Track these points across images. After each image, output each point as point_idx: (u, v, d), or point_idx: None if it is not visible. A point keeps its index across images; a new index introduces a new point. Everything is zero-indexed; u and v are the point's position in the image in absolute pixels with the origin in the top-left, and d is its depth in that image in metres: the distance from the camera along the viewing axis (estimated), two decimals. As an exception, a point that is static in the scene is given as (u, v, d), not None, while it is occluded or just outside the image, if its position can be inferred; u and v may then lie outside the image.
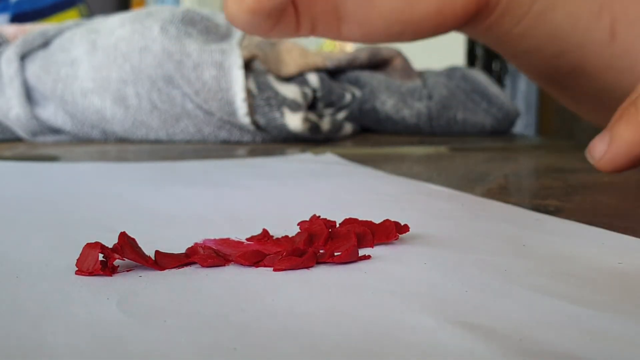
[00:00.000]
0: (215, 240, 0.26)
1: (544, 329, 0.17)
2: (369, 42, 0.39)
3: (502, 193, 0.38)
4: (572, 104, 0.49)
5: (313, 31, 0.36)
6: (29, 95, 0.67)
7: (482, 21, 0.42)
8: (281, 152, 0.58)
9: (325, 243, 0.25)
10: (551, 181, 0.42)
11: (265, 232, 0.27)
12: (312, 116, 0.65)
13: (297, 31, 0.35)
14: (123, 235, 0.23)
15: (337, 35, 0.37)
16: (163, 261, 0.23)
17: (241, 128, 0.64)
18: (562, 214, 0.31)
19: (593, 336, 0.17)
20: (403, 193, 0.37)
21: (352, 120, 0.72)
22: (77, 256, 0.22)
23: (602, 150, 0.30)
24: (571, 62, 0.44)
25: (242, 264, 0.23)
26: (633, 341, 0.17)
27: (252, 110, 0.64)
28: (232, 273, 0.22)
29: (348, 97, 0.71)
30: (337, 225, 0.26)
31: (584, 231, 0.27)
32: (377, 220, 0.26)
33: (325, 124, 0.66)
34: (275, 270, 0.22)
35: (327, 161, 0.49)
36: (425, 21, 0.38)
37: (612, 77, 0.45)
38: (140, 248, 0.23)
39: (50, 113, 0.67)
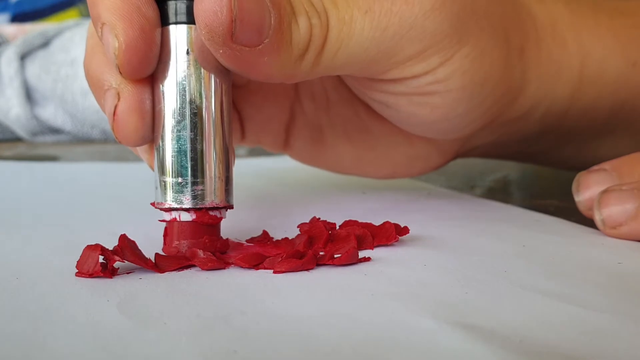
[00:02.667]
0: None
1: (544, 330, 0.17)
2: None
3: (502, 193, 0.38)
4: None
5: (258, 144, 0.35)
6: (29, 95, 0.67)
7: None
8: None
9: (325, 245, 0.25)
10: (551, 181, 0.42)
11: (265, 233, 0.27)
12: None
13: (240, 143, 0.34)
14: (123, 238, 0.23)
15: (283, 153, 0.36)
16: (163, 264, 0.23)
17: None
18: (562, 214, 0.31)
19: (593, 336, 0.17)
20: (403, 193, 0.37)
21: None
22: (77, 258, 0.22)
23: (623, 220, 0.26)
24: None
25: (242, 266, 0.23)
26: (633, 341, 0.17)
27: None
28: (232, 275, 0.22)
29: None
30: (337, 227, 0.26)
31: (583, 231, 0.27)
32: (377, 222, 0.26)
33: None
34: (275, 272, 0.22)
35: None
36: (372, 176, 0.36)
37: None
38: (140, 250, 0.23)
39: (50, 113, 0.67)
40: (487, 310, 0.19)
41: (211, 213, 0.24)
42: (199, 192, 0.24)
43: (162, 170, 0.24)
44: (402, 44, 0.26)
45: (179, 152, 0.23)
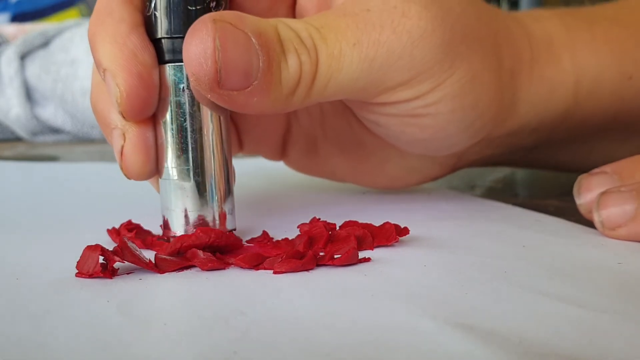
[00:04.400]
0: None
1: (544, 331, 0.17)
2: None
3: (502, 193, 0.38)
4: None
5: (256, 154, 0.36)
6: (29, 95, 0.67)
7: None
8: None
9: (325, 245, 0.25)
10: (551, 181, 0.42)
11: (265, 234, 0.27)
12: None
13: (240, 151, 0.35)
14: (123, 239, 0.23)
15: (280, 161, 0.36)
16: (163, 264, 0.23)
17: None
18: (562, 214, 0.31)
19: (593, 337, 0.17)
20: (403, 194, 0.37)
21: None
22: (77, 258, 0.22)
23: (622, 222, 0.26)
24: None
25: (242, 267, 0.23)
26: (633, 342, 0.17)
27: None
28: (232, 276, 0.22)
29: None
30: (337, 228, 0.26)
31: (583, 232, 0.27)
32: (377, 222, 0.26)
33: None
34: (275, 273, 0.22)
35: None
36: (368, 186, 0.36)
37: None
38: (140, 251, 0.23)
39: (50, 113, 0.67)
40: (487, 310, 0.19)
41: None
42: (202, 222, 0.25)
43: (167, 201, 0.25)
44: (390, 73, 0.26)
45: (182, 186, 0.25)
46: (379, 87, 0.27)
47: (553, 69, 0.33)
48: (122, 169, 0.26)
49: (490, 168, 0.48)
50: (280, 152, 0.35)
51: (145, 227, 0.28)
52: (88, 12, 0.97)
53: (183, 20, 0.24)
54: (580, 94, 0.33)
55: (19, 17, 0.90)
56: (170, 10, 0.24)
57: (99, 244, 0.22)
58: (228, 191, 0.26)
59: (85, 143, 0.67)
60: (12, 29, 0.73)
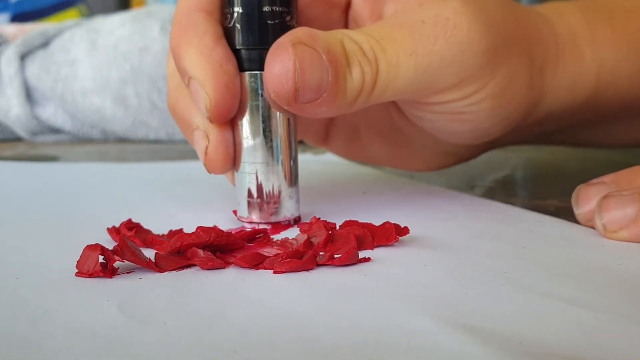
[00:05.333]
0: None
1: (544, 331, 0.17)
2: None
3: (502, 193, 0.38)
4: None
5: (301, 138, 0.38)
6: (29, 95, 0.67)
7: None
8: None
9: (325, 245, 0.25)
10: (551, 181, 0.42)
11: (265, 234, 0.27)
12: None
13: None
14: (123, 238, 0.23)
15: (322, 147, 0.39)
16: (163, 263, 0.23)
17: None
18: (562, 214, 0.31)
19: (593, 337, 0.17)
20: (403, 194, 0.37)
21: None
22: (77, 257, 0.22)
23: (623, 225, 0.26)
24: (610, 147, 0.44)
25: (241, 266, 0.23)
26: (633, 342, 0.17)
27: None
28: (232, 275, 0.22)
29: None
30: (337, 228, 0.26)
31: (583, 232, 0.27)
32: (377, 222, 0.26)
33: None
34: (275, 272, 0.22)
35: (327, 162, 0.49)
36: (405, 168, 0.39)
37: None
38: (140, 250, 0.23)
39: (50, 113, 0.67)
40: (487, 311, 0.19)
41: (283, 224, 0.29)
42: (274, 210, 0.28)
43: (243, 191, 0.29)
44: (441, 78, 0.29)
45: (256, 179, 0.28)
46: (430, 89, 0.29)
47: (576, 63, 0.35)
48: (205, 165, 0.29)
49: (491, 168, 0.48)
50: (323, 138, 0.37)
51: (145, 227, 0.28)
52: (88, 12, 0.97)
53: (261, 33, 0.27)
54: (600, 84, 0.36)
55: (19, 17, 0.90)
56: (250, 24, 0.27)
57: (98, 244, 0.22)
58: (295, 183, 0.29)
59: (85, 143, 0.67)
60: (12, 29, 0.73)
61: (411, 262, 0.23)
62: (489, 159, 0.53)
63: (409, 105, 0.32)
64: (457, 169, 0.49)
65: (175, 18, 0.28)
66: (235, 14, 0.27)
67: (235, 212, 0.30)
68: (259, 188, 0.28)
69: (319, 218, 0.26)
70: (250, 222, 0.29)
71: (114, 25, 0.67)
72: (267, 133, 0.28)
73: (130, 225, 0.27)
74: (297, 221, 0.29)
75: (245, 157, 0.28)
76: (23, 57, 0.67)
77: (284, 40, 0.26)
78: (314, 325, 0.18)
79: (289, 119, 0.28)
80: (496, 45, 0.30)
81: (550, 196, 0.37)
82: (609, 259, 0.24)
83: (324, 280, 0.21)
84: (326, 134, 0.37)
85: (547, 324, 0.18)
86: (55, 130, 0.69)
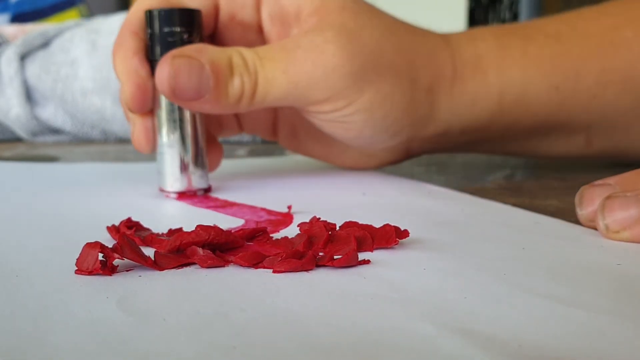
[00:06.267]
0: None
1: (544, 334, 0.17)
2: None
3: (502, 193, 0.38)
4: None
5: (255, 134, 0.46)
6: (29, 95, 0.67)
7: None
8: (281, 153, 0.58)
9: (325, 246, 0.25)
10: (551, 181, 0.42)
11: (265, 233, 0.27)
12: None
13: (241, 131, 0.44)
14: (123, 236, 0.23)
15: (276, 141, 0.45)
16: (162, 261, 0.23)
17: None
18: (562, 214, 0.31)
19: (593, 340, 0.17)
20: (403, 194, 0.37)
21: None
22: (77, 256, 0.22)
23: (626, 225, 0.26)
24: (543, 158, 0.47)
25: (241, 265, 0.23)
26: (633, 343, 0.17)
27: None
28: (231, 274, 0.22)
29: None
30: (337, 228, 0.26)
31: (583, 233, 0.27)
32: (377, 223, 0.26)
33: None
34: (274, 272, 0.22)
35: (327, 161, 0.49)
36: (344, 167, 0.44)
37: (592, 162, 0.47)
38: (139, 248, 0.23)
39: (50, 113, 0.67)
40: (487, 314, 0.19)
41: (189, 194, 0.36)
42: (185, 182, 0.36)
43: (161, 167, 0.37)
44: (312, 93, 0.36)
45: (170, 158, 0.36)
46: (306, 101, 0.36)
47: (477, 83, 0.40)
48: (134, 145, 0.37)
49: (491, 168, 0.48)
50: (272, 133, 0.44)
51: (145, 225, 0.28)
52: (88, 13, 0.97)
53: (162, 48, 0.35)
54: (506, 103, 0.41)
55: (19, 18, 0.90)
56: (154, 42, 0.36)
57: (98, 241, 0.22)
58: (200, 161, 0.37)
59: (85, 143, 0.67)
60: (12, 29, 0.73)
61: (411, 265, 0.23)
62: (489, 159, 0.53)
63: (302, 112, 0.38)
64: (457, 169, 0.49)
65: (117, 35, 0.37)
66: (148, 34, 0.36)
67: (159, 188, 0.37)
68: (172, 165, 0.36)
69: (319, 218, 0.26)
70: (167, 192, 0.36)
71: (114, 26, 0.67)
72: (175, 122, 0.36)
73: (129, 223, 0.27)
74: (207, 191, 0.37)
75: (160, 140, 0.36)
76: (23, 57, 0.67)
77: (169, 54, 0.34)
78: (312, 324, 0.18)
79: (193, 112, 0.36)
80: (363, 69, 0.36)
81: (550, 196, 0.37)
82: (609, 260, 0.24)
83: (323, 281, 0.21)
84: (274, 130, 0.44)
85: (547, 327, 0.18)
86: (55, 131, 0.69)
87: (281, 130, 0.44)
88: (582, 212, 0.28)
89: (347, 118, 0.37)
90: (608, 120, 0.42)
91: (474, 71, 0.40)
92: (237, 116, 0.43)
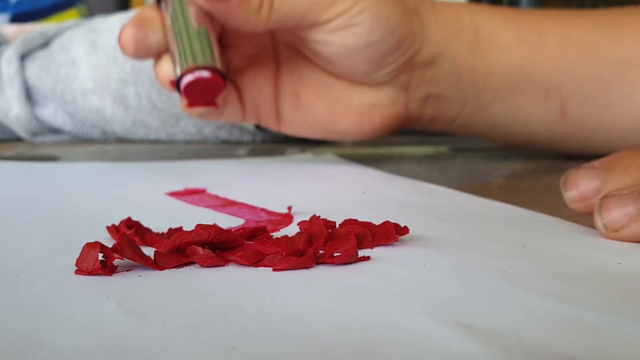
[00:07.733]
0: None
1: (543, 331, 0.17)
2: (306, 137, 0.48)
3: (502, 193, 0.38)
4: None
5: (258, 121, 0.46)
6: (29, 95, 0.67)
7: (412, 125, 0.48)
8: (281, 152, 0.58)
9: (325, 244, 0.25)
10: (551, 181, 0.42)
11: (265, 231, 0.27)
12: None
13: (243, 119, 0.46)
14: (123, 235, 0.23)
15: (278, 129, 0.46)
16: (162, 261, 0.23)
17: (241, 128, 0.64)
18: (562, 214, 0.31)
19: (592, 337, 0.17)
20: (403, 193, 0.37)
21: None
22: (77, 256, 0.22)
23: (624, 223, 0.26)
24: (523, 137, 0.49)
25: (241, 264, 0.23)
26: (632, 342, 0.17)
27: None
28: (231, 273, 0.22)
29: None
30: (337, 226, 0.26)
31: (583, 232, 0.27)
32: (377, 221, 0.26)
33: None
34: (274, 270, 0.22)
35: (327, 161, 0.49)
36: (347, 132, 0.46)
37: (567, 145, 0.49)
38: (139, 248, 0.23)
39: (50, 113, 0.67)
40: (486, 310, 0.19)
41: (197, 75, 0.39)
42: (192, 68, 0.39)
43: (177, 55, 0.40)
44: None
45: (183, 46, 0.40)
46: (317, 5, 0.39)
47: (454, 17, 0.44)
48: (119, 43, 0.42)
49: (491, 168, 0.48)
50: (276, 115, 0.45)
51: (145, 225, 0.28)
52: (88, 13, 0.97)
53: None
54: (482, 42, 0.45)
55: (19, 17, 0.90)
56: None
57: (98, 241, 0.22)
58: (211, 49, 0.40)
59: (85, 143, 0.67)
60: (12, 29, 0.73)
61: (411, 262, 0.23)
62: (489, 158, 0.53)
63: (314, 32, 0.41)
64: (457, 168, 0.49)
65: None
66: None
67: (173, 82, 0.41)
68: (183, 50, 0.39)
69: (319, 216, 0.26)
70: (178, 78, 0.40)
71: (113, 26, 0.67)
72: (180, 24, 0.40)
73: (129, 223, 0.27)
74: (214, 73, 0.39)
75: (174, 36, 0.40)
76: (23, 57, 0.67)
77: None
78: (313, 321, 0.18)
79: (196, 14, 0.40)
80: None
81: (550, 195, 0.37)
82: (609, 259, 0.24)
83: (324, 278, 0.21)
84: (276, 109, 0.45)
85: (547, 324, 0.18)
86: (55, 131, 0.69)
87: (284, 106, 0.45)
88: (567, 194, 0.29)
89: (355, 19, 0.40)
90: (576, 85, 0.45)
91: (449, 9, 0.45)
92: (240, 93, 0.44)
